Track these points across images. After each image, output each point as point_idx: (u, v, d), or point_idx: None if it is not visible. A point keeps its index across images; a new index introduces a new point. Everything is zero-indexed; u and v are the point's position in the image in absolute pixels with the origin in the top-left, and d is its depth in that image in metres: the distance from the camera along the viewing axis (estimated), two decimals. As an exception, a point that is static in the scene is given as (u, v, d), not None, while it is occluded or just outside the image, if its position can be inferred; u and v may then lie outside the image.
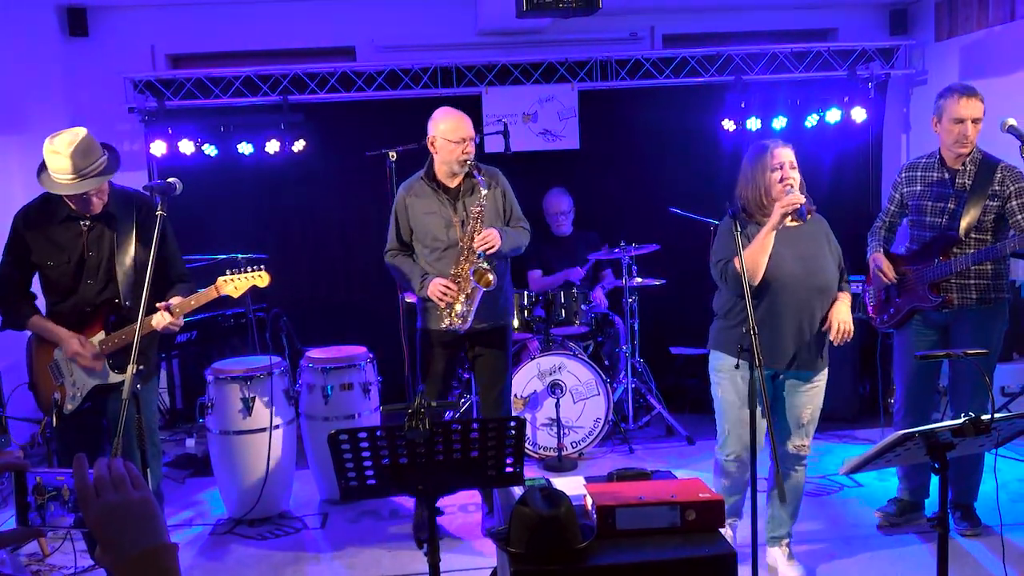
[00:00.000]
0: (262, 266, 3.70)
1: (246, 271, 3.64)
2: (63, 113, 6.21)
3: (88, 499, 1.30)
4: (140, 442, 3.15)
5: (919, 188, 4.12)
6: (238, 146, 6.26)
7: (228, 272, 3.64)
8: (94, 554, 1.30)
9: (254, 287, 3.66)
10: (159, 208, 3.32)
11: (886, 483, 4.68)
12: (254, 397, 4.55)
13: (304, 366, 4.91)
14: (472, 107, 6.38)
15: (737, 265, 3.41)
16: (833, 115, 6.43)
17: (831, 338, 3.58)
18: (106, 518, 1.28)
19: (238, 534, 4.52)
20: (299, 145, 6.25)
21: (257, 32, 6.51)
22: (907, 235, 4.27)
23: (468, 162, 4.05)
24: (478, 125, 6.21)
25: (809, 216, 3.53)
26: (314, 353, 4.96)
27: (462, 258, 4.06)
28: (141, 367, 3.28)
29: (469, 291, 4.05)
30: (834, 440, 5.65)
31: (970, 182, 3.97)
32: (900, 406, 4.25)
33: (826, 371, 3.71)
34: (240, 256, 5.31)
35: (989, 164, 3.97)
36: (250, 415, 4.54)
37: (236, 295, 3.64)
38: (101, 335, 3.58)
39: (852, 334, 3.60)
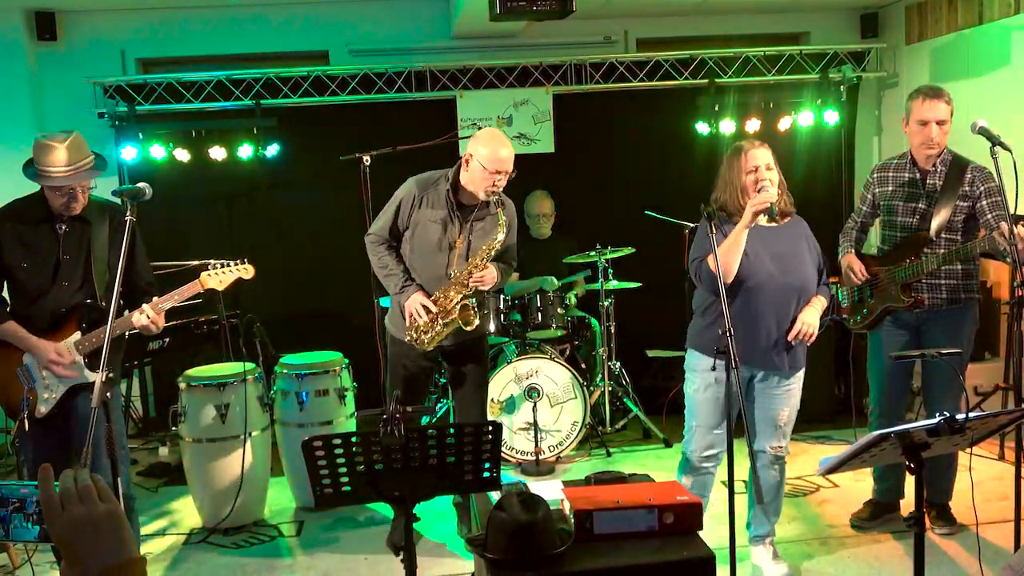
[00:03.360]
0: (246, 259, 3.68)
1: (230, 265, 3.63)
2: (31, 118, 6.13)
3: (54, 512, 1.26)
4: (110, 450, 3.10)
5: (891, 189, 4.15)
6: (210, 151, 6.20)
7: (211, 266, 3.63)
8: (60, 569, 1.27)
9: (239, 280, 3.66)
10: (129, 212, 3.27)
11: (862, 483, 4.71)
12: (228, 404, 4.50)
13: (278, 372, 4.87)
14: (446, 111, 6.38)
15: (710, 264, 3.43)
16: (806, 118, 6.47)
17: (790, 337, 3.58)
18: (72, 531, 1.25)
19: (212, 543, 4.47)
20: (272, 149, 6.20)
21: (229, 36, 6.45)
22: (879, 236, 4.30)
23: (496, 194, 3.88)
24: (453, 129, 6.20)
25: (788, 219, 3.55)
26: (288, 359, 4.92)
27: (453, 289, 3.93)
28: (110, 374, 3.22)
29: (447, 322, 3.94)
30: (811, 441, 5.68)
31: (940, 183, 4.01)
32: (875, 406, 4.28)
33: (802, 372, 3.72)
34: (212, 261, 5.24)
35: (959, 165, 4.01)
36: (224, 423, 4.49)
37: (221, 288, 3.65)
38: (77, 335, 3.55)
39: (813, 337, 3.61)
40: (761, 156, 3.56)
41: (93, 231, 3.58)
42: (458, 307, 3.91)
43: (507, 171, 3.88)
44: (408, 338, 4.03)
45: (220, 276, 3.64)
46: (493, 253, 3.93)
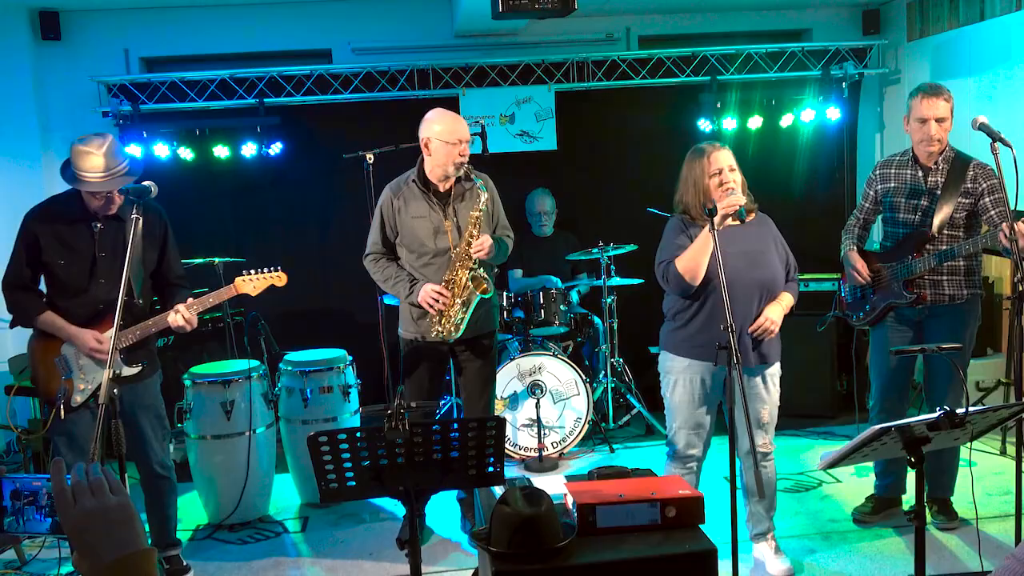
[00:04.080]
0: (279, 267, 3.88)
1: (263, 271, 3.82)
2: (35, 118, 6.15)
3: (65, 505, 1.29)
4: (117, 447, 3.15)
5: (893, 185, 4.17)
6: (214, 149, 6.23)
7: (245, 272, 3.81)
8: (72, 560, 1.30)
9: (271, 287, 3.84)
10: (134, 211, 3.34)
11: (863, 478, 4.72)
12: (233, 401, 4.52)
13: (283, 369, 4.89)
14: (449, 109, 6.31)
15: (678, 266, 3.48)
16: (808, 114, 6.48)
17: (750, 330, 3.60)
18: (83, 524, 1.27)
19: (218, 539, 4.50)
20: (276, 148, 6.22)
21: (232, 35, 6.46)
22: (880, 232, 4.32)
23: (464, 165, 3.95)
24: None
25: (752, 216, 3.55)
26: (293, 356, 4.94)
27: (458, 264, 3.96)
28: (142, 364, 3.71)
29: (465, 298, 3.97)
30: (813, 437, 5.69)
31: (943, 180, 4.02)
32: (876, 402, 4.29)
33: (776, 367, 3.74)
34: (217, 261, 5.28)
35: (961, 162, 4.02)
36: (229, 419, 4.52)
37: (254, 294, 3.83)
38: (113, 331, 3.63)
39: (774, 333, 3.63)
40: (724, 158, 3.59)
41: (128, 228, 3.64)
42: (470, 280, 3.94)
43: (467, 138, 3.98)
44: (435, 333, 4.03)
45: (254, 282, 3.81)
46: (480, 222, 3.96)
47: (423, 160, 4.06)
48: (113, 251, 3.69)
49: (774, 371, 3.74)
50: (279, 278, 3.87)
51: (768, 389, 3.72)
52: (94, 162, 3.52)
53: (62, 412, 3.60)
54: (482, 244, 3.91)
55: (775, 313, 3.63)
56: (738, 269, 3.52)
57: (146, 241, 3.76)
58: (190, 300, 3.72)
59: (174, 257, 3.94)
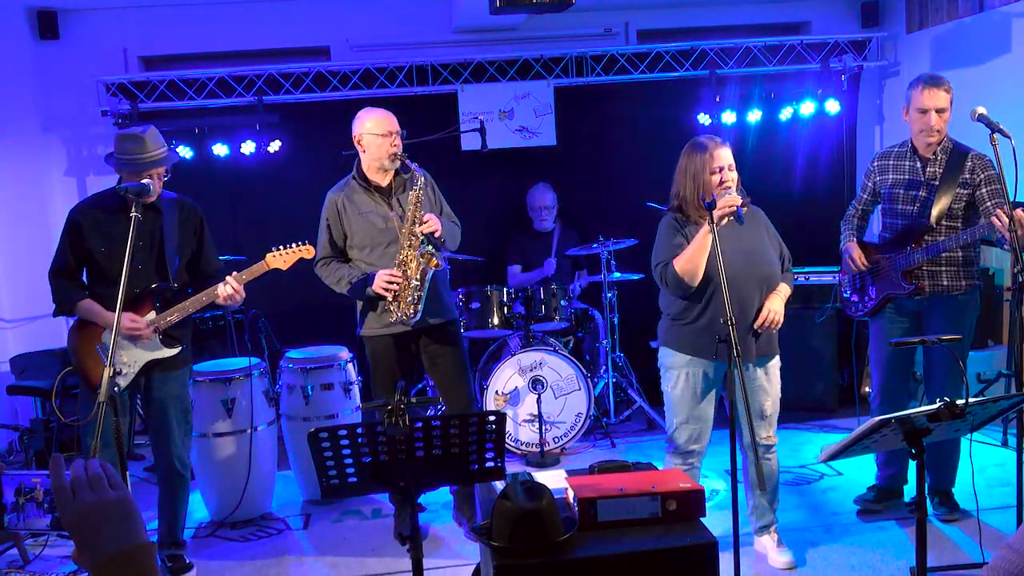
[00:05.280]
0: (306, 240, 4.03)
1: (291, 246, 3.98)
2: (35, 117, 6.16)
3: (65, 499, 1.29)
4: (118, 443, 3.15)
5: (891, 177, 4.17)
6: (213, 147, 6.23)
7: (274, 248, 3.98)
8: (72, 554, 1.30)
9: (301, 259, 4.01)
10: (134, 210, 3.38)
11: (865, 471, 4.73)
12: (234, 399, 4.53)
13: (284, 367, 4.90)
14: (448, 105, 6.39)
15: (676, 267, 3.47)
16: (807, 107, 6.47)
17: (756, 324, 3.60)
18: (83, 518, 1.28)
19: (220, 536, 4.51)
20: (275, 146, 6.22)
21: (231, 33, 6.46)
22: (879, 223, 4.32)
23: (398, 155, 4.03)
24: (454, 122, 6.21)
25: (745, 210, 3.53)
26: (294, 354, 4.95)
27: (406, 244, 3.97)
28: (180, 348, 3.89)
29: (419, 276, 3.95)
30: (815, 429, 5.70)
31: (941, 171, 4.02)
32: (876, 394, 4.30)
33: (777, 360, 3.75)
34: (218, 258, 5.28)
35: (960, 153, 4.02)
36: (230, 417, 4.52)
37: (285, 267, 3.98)
38: (152, 315, 3.83)
39: (779, 324, 3.64)
40: (726, 156, 3.58)
41: (164, 219, 3.89)
42: (420, 257, 3.95)
43: (397, 129, 4.08)
44: (395, 318, 4.01)
45: (284, 256, 3.97)
46: (420, 201, 3.96)
47: (359, 161, 4.17)
48: (151, 240, 3.86)
49: (775, 363, 3.74)
50: (307, 250, 4.02)
51: (770, 381, 3.73)
52: (136, 146, 3.71)
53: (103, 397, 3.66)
54: (426, 221, 3.93)
55: (778, 304, 3.63)
56: (738, 267, 3.51)
57: (184, 231, 3.95)
58: (235, 273, 3.87)
59: (211, 251, 4.09)
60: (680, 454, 3.77)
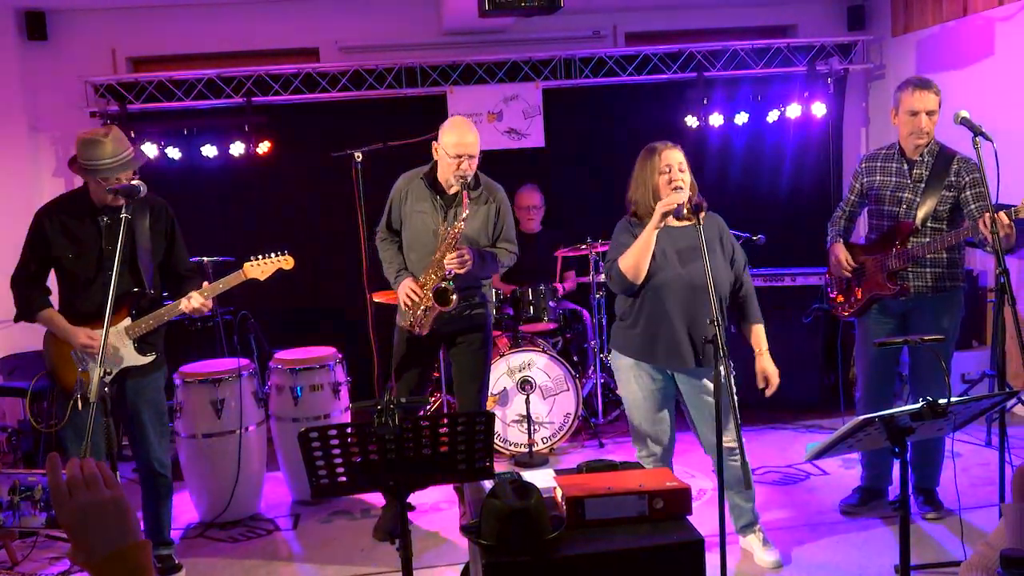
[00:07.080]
0: (286, 251, 3.91)
1: (270, 256, 3.86)
2: (23, 118, 6.14)
3: (61, 498, 1.31)
4: (108, 443, 3.16)
5: (878, 178, 4.21)
6: (202, 149, 6.23)
7: (252, 257, 3.86)
8: (68, 553, 1.32)
9: (279, 271, 3.90)
10: (124, 211, 3.37)
11: (850, 470, 4.77)
12: (223, 400, 4.53)
13: (273, 368, 4.90)
14: (437, 107, 6.41)
15: (621, 265, 3.54)
16: (793, 110, 6.52)
17: (767, 394, 3.72)
18: (78, 517, 1.29)
19: (209, 537, 4.51)
20: (264, 147, 6.23)
21: (219, 34, 6.47)
22: (866, 225, 4.36)
23: (463, 179, 3.95)
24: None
25: (702, 214, 3.51)
26: (283, 355, 4.95)
27: (431, 270, 4.01)
28: (155, 355, 3.79)
29: (428, 305, 4.02)
30: (800, 430, 5.74)
31: (927, 173, 4.06)
32: (862, 394, 4.34)
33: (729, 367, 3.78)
34: (206, 259, 5.29)
35: (946, 156, 4.06)
36: (219, 418, 4.53)
37: (263, 278, 3.86)
38: (127, 322, 3.75)
39: (776, 385, 3.74)
40: (674, 156, 3.62)
41: (134, 222, 3.74)
42: (431, 291, 3.98)
43: (468, 155, 3.98)
44: (407, 323, 4.13)
45: (262, 267, 3.86)
46: (460, 235, 3.94)
47: (436, 160, 4.14)
48: (120, 243, 3.74)
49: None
50: (286, 261, 3.92)
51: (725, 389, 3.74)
52: (100, 150, 3.57)
53: (79, 404, 3.65)
54: (457, 256, 3.89)
55: (770, 364, 3.71)
56: (678, 273, 3.57)
57: (153, 232, 3.83)
58: (205, 284, 3.79)
59: (181, 249, 4.00)
60: (645, 455, 3.83)
